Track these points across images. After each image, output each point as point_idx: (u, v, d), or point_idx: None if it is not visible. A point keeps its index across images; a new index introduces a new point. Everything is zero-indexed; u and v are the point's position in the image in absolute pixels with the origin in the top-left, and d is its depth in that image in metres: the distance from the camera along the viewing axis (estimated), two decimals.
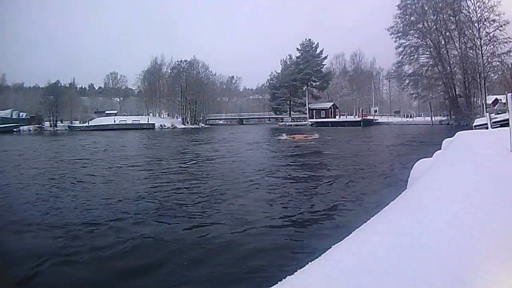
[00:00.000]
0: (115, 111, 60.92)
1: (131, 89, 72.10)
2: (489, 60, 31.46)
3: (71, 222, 4.19)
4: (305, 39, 54.77)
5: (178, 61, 57.60)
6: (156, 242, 3.45)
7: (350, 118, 44.38)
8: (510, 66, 32.97)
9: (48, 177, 7.77)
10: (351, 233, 1.53)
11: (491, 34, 30.67)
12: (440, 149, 5.76)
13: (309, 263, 1.22)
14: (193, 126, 50.83)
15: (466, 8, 32.29)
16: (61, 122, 48.96)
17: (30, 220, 4.34)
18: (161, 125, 47.44)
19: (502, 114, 14.80)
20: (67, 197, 5.56)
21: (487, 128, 11.45)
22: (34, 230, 3.93)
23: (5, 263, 3.11)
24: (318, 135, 21.24)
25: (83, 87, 78.26)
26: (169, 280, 2.64)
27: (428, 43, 35.14)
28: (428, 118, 37.25)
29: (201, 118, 56.68)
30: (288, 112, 55.41)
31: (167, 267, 2.86)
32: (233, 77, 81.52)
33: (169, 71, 59.78)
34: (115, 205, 5.02)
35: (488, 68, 31.81)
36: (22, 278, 2.75)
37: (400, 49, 36.01)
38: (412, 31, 35.80)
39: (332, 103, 49.54)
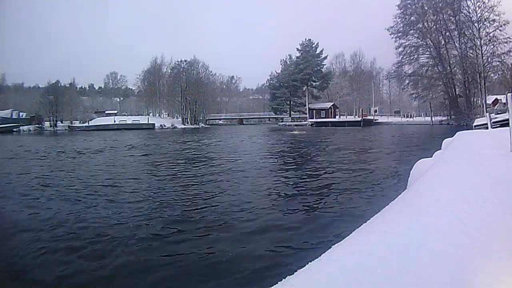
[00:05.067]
0: (115, 111, 60.90)
1: (131, 89, 72.19)
2: (489, 60, 31.45)
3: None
4: (305, 39, 54.80)
5: (178, 61, 57.73)
6: None
7: (350, 118, 44.39)
8: (510, 66, 32.95)
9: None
10: (351, 233, 1.53)
11: (491, 34, 30.69)
12: (440, 149, 5.76)
13: (309, 263, 1.22)
14: (193, 126, 50.83)
15: (466, 8, 32.33)
16: (61, 122, 48.90)
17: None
18: (161, 125, 47.42)
19: (502, 114, 14.77)
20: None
21: (487, 128, 11.46)
22: None
23: None
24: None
25: (83, 87, 78.28)
26: None
27: (428, 43, 35.15)
28: (428, 118, 37.26)
29: (201, 118, 56.69)
30: (288, 112, 55.40)
31: None
32: (233, 77, 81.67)
33: (169, 71, 59.85)
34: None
35: (488, 68, 31.80)
36: None
37: (400, 49, 36.11)
38: (412, 31, 35.85)
39: (332, 103, 49.52)
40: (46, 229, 4.02)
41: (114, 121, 46.57)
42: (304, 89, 53.73)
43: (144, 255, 3.21)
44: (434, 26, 34.33)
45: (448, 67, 33.75)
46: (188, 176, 7.66)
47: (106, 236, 3.69)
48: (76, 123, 48.33)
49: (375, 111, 46.40)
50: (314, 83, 54.99)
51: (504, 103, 20.92)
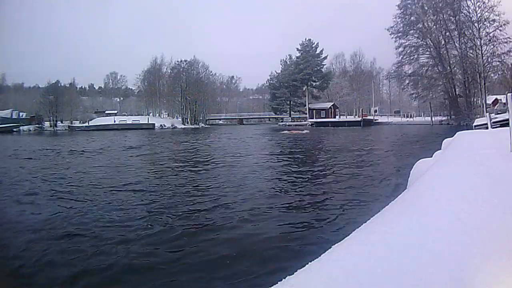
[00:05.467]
0: (115, 111, 60.89)
1: (131, 89, 72.15)
2: (489, 60, 31.45)
3: None
4: (305, 39, 54.81)
5: (178, 61, 57.69)
6: None
7: (350, 118, 44.39)
8: (510, 66, 32.93)
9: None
10: (351, 233, 1.53)
11: (491, 34, 30.67)
12: (440, 149, 5.76)
13: (309, 263, 1.22)
14: (193, 126, 50.82)
15: (466, 8, 32.31)
16: (61, 122, 48.88)
17: None
18: (161, 125, 47.41)
19: (502, 114, 14.77)
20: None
21: (487, 128, 11.46)
22: None
23: None
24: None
25: (83, 87, 78.21)
26: None
27: (428, 43, 35.13)
28: (428, 118, 37.25)
29: (201, 118, 56.67)
30: (288, 112, 55.43)
31: None
32: (233, 77, 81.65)
33: (169, 71, 59.84)
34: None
35: (488, 68, 31.79)
36: None
37: (400, 49, 36.07)
38: (412, 31, 35.82)
39: (332, 103, 49.51)
40: (45, 230, 4.02)
41: (114, 121, 46.55)
42: (304, 89, 53.74)
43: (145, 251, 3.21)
44: (434, 26, 34.33)
45: (448, 67, 33.73)
46: (188, 177, 7.67)
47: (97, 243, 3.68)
48: (76, 123, 48.30)
49: (375, 111, 46.40)
50: (314, 83, 55.00)
51: (504, 103, 20.92)
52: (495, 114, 17.08)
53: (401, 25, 35.89)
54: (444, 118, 35.97)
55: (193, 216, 4.46)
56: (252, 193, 5.63)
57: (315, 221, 4.04)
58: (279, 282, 1.11)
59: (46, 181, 7.40)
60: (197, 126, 51.25)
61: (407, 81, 37.88)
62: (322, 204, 4.90)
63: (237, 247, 3.26)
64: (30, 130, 42.74)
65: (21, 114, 46.39)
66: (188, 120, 54.26)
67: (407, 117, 44.96)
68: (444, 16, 33.52)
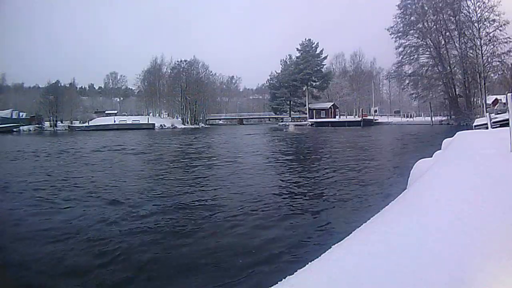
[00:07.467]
0: (115, 111, 60.85)
1: (131, 89, 72.06)
2: (489, 60, 31.45)
3: None
4: (305, 39, 54.72)
5: (178, 61, 57.64)
6: None
7: (350, 118, 44.38)
8: (510, 66, 32.93)
9: None
10: (351, 233, 1.53)
11: (491, 34, 30.68)
12: (440, 148, 5.76)
13: (309, 263, 1.21)
14: (193, 126, 50.80)
15: (466, 8, 32.32)
16: (61, 122, 48.83)
17: None
18: (161, 125, 47.38)
19: (502, 114, 14.75)
20: None
21: (487, 128, 11.46)
22: None
23: None
24: None
25: (83, 87, 78.10)
26: None
27: (428, 43, 35.14)
28: (428, 118, 37.22)
29: (201, 118, 56.65)
30: (288, 112, 55.39)
31: None
32: (233, 77, 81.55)
33: (169, 71, 59.79)
34: None
35: (488, 68, 31.80)
36: None
37: (400, 49, 36.08)
38: (412, 31, 35.84)
39: (332, 103, 49.47)
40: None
41: (114, 121, 46.52)
42: (304, 89, 53.69)
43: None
44: (434, 26, 34.33)
45: (448, 67, 33.73)
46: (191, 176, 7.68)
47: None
48: (76, 123, 48.24)
49: (375, 111, 46.36)
50: (314, 83, 54.95)
51: (504, 103, 20.90)
52: (495, 114, 17.06)
53: (401, 25, 35.94)
54: (444, 118, 35.94)
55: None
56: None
57: None
58: (279, 282, 1.11)
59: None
60: (197, 126, 51.23)
61: (407, 81, 37.92)
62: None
63: None
64: (30, 130, 42.70)
65: (21, 114, 46.35)
66: (188, 120, 54.24)
67: (407, 117, 44.91)
68: (444, 16, 33.53)
